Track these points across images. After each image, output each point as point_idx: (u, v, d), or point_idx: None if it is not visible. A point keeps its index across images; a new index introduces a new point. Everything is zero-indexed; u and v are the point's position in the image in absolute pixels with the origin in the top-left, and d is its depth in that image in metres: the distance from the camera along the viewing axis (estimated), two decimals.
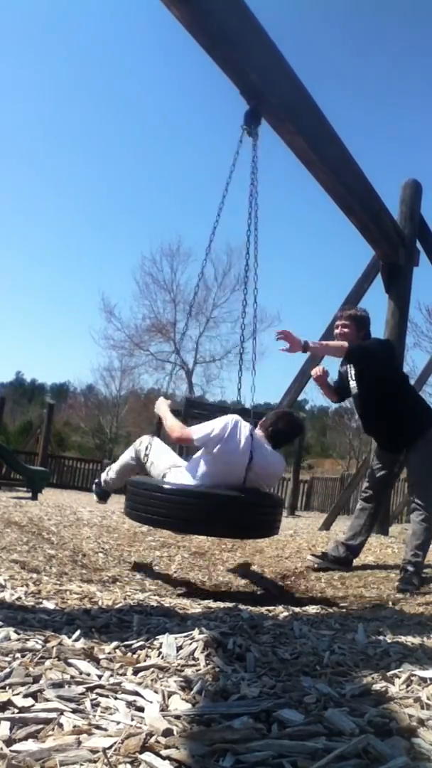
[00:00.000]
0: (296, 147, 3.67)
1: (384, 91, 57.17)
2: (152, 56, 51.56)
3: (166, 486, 2.78)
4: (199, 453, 2.93)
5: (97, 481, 3.57)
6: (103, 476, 3.50)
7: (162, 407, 3.14)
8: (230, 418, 2.89)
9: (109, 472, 3.45)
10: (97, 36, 51.07)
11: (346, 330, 3.47)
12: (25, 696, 1.02)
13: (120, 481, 3.40)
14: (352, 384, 3.62)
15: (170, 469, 3.05)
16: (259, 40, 3.15)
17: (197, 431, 2.88)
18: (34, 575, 2.33)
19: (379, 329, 5.29)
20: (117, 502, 4.01)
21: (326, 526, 6.11)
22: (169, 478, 2.98)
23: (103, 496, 3.53)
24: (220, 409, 11.29)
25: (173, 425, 3.02)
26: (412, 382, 7.82)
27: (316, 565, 3.73)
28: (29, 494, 8.35)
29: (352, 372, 3.58)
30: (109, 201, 61.10)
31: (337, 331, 3.52)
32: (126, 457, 3.35)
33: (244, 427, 2.86)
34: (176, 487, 2.78)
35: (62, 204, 64.52)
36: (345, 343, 3.37)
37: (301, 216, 56.60)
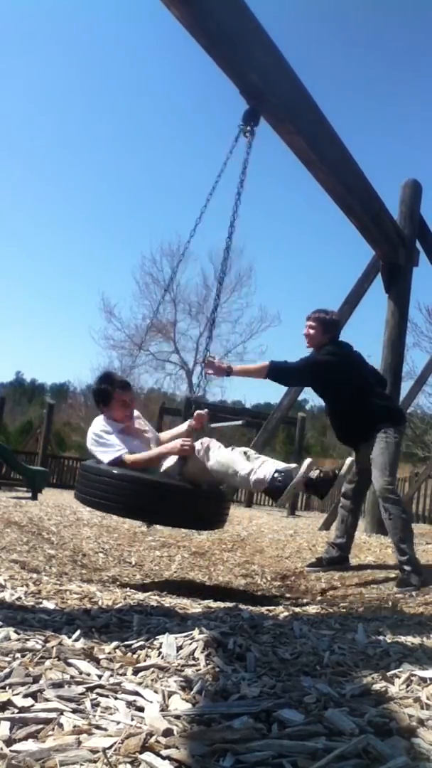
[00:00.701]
0: (296, 147, 3.68)
1: (384, 91, 57.12)
2: (152, 56, 51.57)
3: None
4: None
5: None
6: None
7: None
8: None
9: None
10: (97, 36, 51.09)
11: (311, 331, 3.56)
12: (25, 696, 1.02)
13: None
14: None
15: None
16: (259, 40, 3.15)
17: None
18: (34, 575, 2.33)
19: (379, 329, 5.31)
20: None
21: (326, 526, 6.11)
22: None
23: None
24: (220, 409, 11.28)
25: None
26: (411, 382, 7.75)
27: (314, 574, 3.75)
28: (29, 494, 8.36)
29: None
30: (110, 201, 61.07)
31: (304, 331, 3.61)
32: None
33: None
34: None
35: (62, 204, 64.55)
36: (265, 364, 3.42)
37: (301, 216, 56.59)
